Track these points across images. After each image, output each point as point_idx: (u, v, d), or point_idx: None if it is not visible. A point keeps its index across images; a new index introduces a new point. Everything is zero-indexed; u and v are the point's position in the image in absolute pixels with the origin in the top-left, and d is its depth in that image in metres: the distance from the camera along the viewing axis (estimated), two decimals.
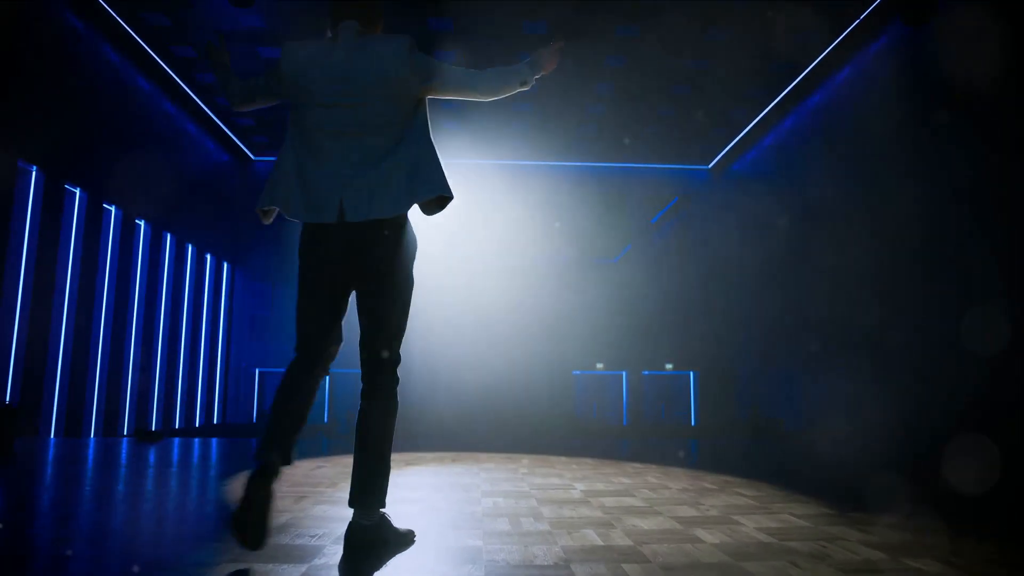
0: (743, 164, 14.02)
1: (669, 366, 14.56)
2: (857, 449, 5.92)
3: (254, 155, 14.24)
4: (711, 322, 14.25)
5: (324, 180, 2.01)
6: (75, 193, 8.81)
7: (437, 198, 2.06)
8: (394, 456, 4.50)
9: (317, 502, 2.86)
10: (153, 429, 10.62)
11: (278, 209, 2.10)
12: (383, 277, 2.04)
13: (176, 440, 6.59)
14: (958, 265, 7.48)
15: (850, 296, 9.60)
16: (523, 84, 2.21)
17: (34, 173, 7.94)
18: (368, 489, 2.02)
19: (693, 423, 14.29)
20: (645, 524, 2.39)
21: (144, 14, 9.01)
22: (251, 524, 1.84)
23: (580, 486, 3.31)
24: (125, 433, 9.67)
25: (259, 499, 1.86)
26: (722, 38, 9.64)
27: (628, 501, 2.88)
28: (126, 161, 9.98)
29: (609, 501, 2.88)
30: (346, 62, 2.06)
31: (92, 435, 9.00)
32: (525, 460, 4.46)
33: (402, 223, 2.07)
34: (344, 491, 3.04)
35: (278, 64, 2.13)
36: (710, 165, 14.80)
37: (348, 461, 4.09)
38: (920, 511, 2.70)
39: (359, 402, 2.10)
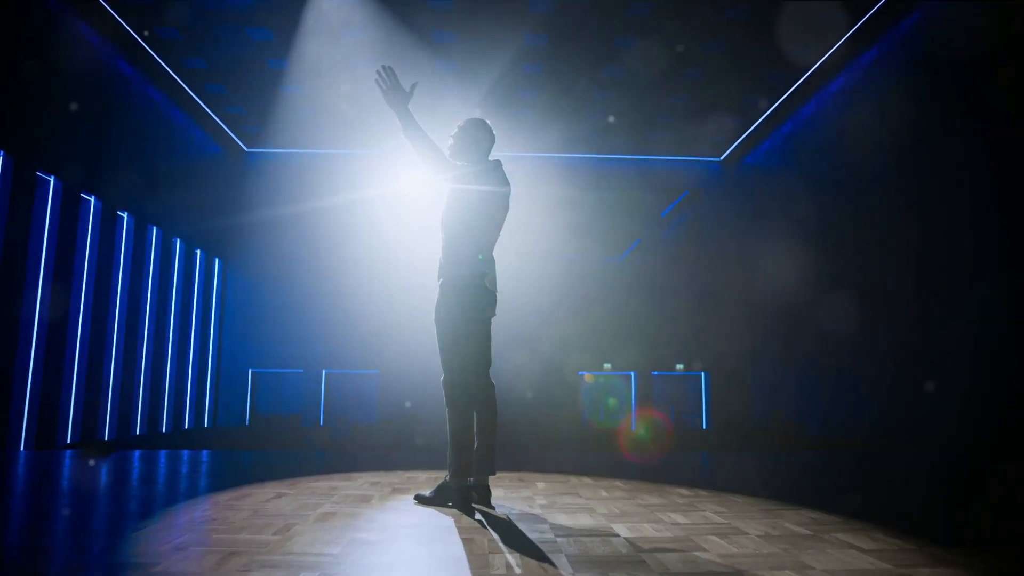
0: (757, 155, 13.39)
1: (679, 367, 13.94)
2: (917, 463, 5.31)
3: (247, 146, 13.58)
4: (723, 321, 13.62)
5: (494, 270, 3.19)
6: (49, 181, 8.17)
7: None
8: (380, 479, 3.84)
9: (248, 566, 1.99)
10: (137, 434, 10.00)
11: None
12: None
13: (132, 453, 5.94)
14: (988, 259, 6.89)
15: (874, 292, 9.01)
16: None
17: (1, 158, 7.31)
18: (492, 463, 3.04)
19: (705, 426, 13.68)
20: None
21: None
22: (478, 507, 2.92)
23: (622, 530, 2.52)
24: (106, 439, 9.04)
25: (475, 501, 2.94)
26: (742, 18, 9.02)
27: (700, 559, 2.10)
28: (106, 149, 9.34)
29: (672, 560, 2.09)
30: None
31: (68, 443, 8.36)
32: (540, 484, 3.76)
33: None
34: (301, 543, 2.33)
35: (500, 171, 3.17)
36: (722, 157, 14.16)
37: (319, 486, 3.44)
38: None
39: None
